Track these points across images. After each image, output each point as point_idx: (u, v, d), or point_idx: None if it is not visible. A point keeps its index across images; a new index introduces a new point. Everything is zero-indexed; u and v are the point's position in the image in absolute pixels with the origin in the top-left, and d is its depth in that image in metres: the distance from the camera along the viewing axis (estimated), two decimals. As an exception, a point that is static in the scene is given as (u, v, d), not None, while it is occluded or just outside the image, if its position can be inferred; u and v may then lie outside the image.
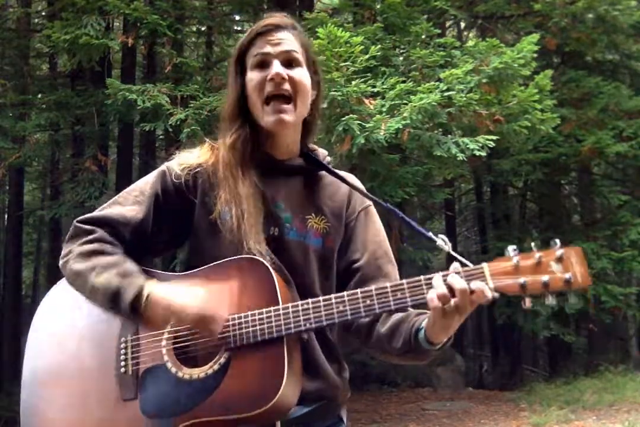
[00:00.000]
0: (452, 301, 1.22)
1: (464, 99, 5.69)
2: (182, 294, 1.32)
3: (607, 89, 9.32)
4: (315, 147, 1.59)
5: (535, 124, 6.16)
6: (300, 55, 1.47)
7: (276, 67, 1.43)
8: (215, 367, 1.30)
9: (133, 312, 1.33)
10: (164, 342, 1.35)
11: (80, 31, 6.71)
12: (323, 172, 1.56)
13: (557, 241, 1.25)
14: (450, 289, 1.22)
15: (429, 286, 1.26)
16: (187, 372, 1.32)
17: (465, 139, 5.69)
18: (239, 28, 11.47)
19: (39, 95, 9.22)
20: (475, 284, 1.21)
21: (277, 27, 1.46)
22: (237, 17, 10.19)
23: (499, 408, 8.73)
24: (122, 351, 1.38)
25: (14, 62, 9.09)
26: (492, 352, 14.64)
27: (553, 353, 13.42)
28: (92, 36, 6.70)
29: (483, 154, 5.74)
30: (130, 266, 1.39)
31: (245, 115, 1.48)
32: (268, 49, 1.44)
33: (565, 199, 12.73)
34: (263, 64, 1.45)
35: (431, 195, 8.60)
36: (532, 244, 1.26)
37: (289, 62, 1.45)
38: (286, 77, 1.43)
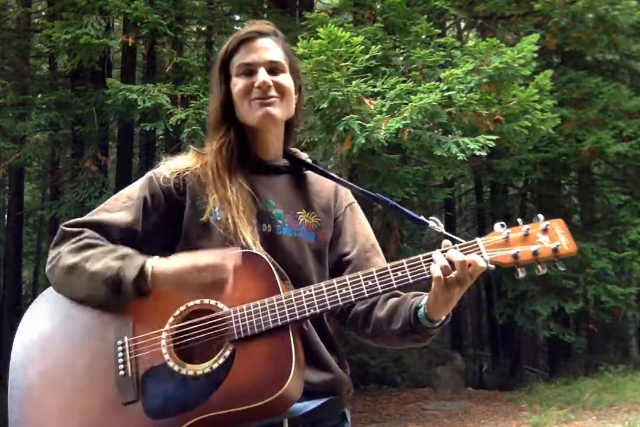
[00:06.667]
0: (453, 273, 1.28)
1: (464, 99, 5.69)
2: (187, 259, 1.32)
3: (607, 89, 9.31)
4: (296, 150, 1.64)
5: (535, 124, 6.16)
6: (283, 61, 1.51)
7: (262, 75, 1.47)
8: (220, 360, 1.30)
9: (138, 291, 1.33)
10: (163, 342, 1.35)
11: (81, 31, 6.70)
12: (307, 171, 1.61)
13: (541, 215, 1.34)
14: (450, 262, 1.28)
15: (428, 263, 1.32)
16: (191, 369, 1.31)
17: (466, 139, 5.69)
18: (239, 28, 11.45)
19: (39, 95, 9.21)
20: (471, 256, 1.29)
21: (260, 34, 1.51)
22: (237, 17, 10.17)
23: (499, 408, 8.74)
24: (120, 354, 1.36)
25: (14, 62, 9.09)
26: (492, 352, 14.65)
27: (553, 353, 13.43)
28: (93, 36, 6.69)
29: (483, 153, 5.74)
30: (127, 249, 1.39)
31: (231, 121, 1.52)
32: (253, 57, 1.49)
33: (565, 199, 12.73)
34: (248, 72, 1.49)
35: (431, 195, 8.60)
36: (519, 219, 1.35)
37: (274, 69, 1.50)
38: (272, 84, 1.47)
